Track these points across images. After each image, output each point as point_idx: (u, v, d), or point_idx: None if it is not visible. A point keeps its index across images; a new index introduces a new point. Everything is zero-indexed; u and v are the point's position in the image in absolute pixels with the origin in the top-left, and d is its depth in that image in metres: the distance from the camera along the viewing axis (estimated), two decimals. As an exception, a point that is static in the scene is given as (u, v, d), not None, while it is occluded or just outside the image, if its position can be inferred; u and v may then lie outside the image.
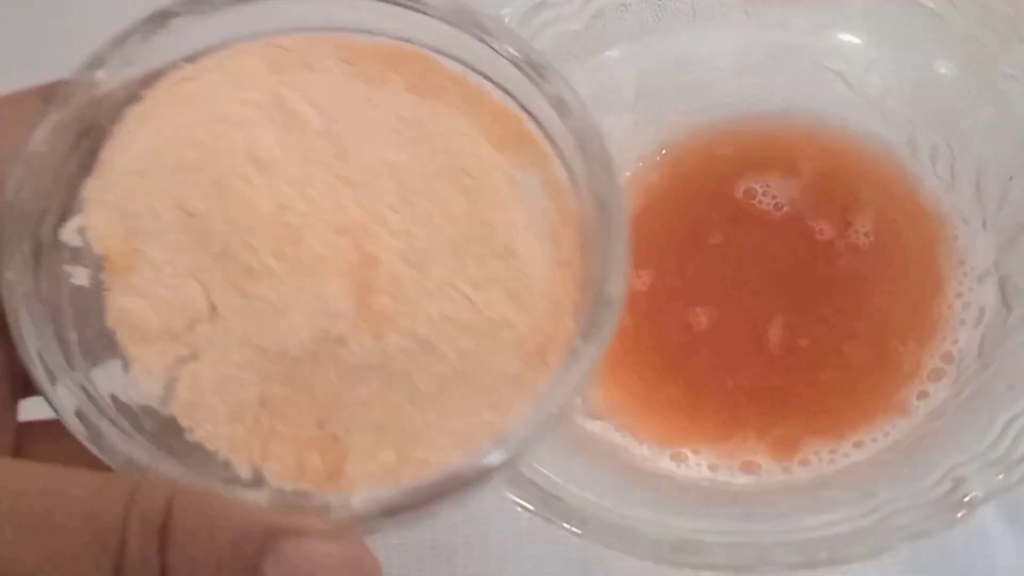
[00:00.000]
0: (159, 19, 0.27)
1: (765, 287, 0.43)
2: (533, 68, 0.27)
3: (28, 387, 0.27)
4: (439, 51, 0.28)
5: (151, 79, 0.27)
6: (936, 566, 0.39)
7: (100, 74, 0.26)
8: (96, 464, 0.23)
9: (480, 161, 0.27)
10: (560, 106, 0.27)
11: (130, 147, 0.26)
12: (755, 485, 0.39)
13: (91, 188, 0.26)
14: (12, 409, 0.27)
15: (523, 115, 0.28)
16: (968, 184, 0.43)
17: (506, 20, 0.42)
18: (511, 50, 0.28)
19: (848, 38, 0.45)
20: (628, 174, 0.45)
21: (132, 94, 0.27)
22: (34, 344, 0.24)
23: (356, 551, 0.22)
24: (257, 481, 0.24)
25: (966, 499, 0.33)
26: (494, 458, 0.24)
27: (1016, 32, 0.42)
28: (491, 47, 0.28)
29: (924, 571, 0.39)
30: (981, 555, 0.40)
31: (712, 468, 0.40)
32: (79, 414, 0.24)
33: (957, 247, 0.42)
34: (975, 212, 0.42)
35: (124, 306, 0.25)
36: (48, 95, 0.26)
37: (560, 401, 0.25)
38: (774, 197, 0.44)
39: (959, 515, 0.33)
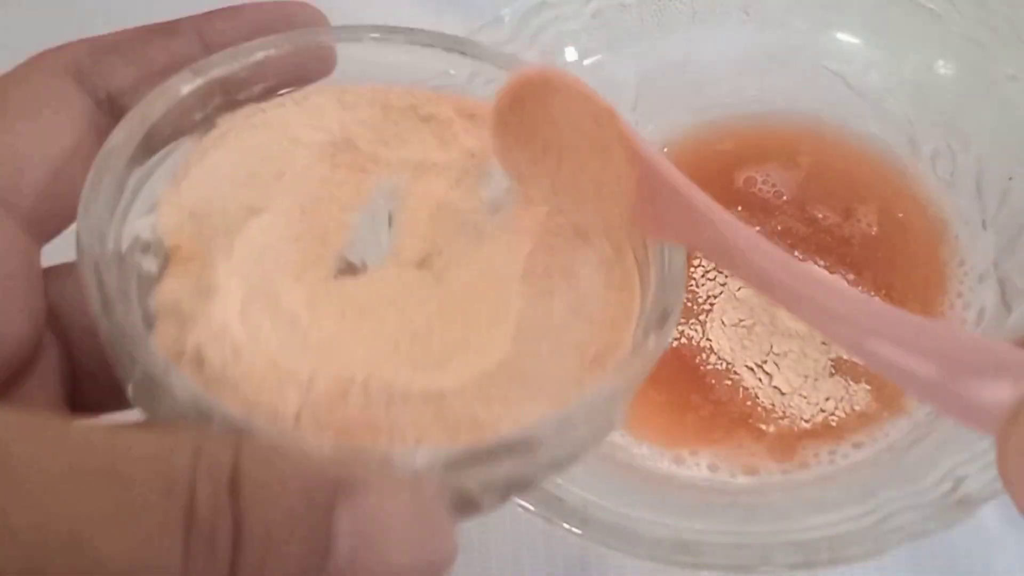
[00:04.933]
0: (246, 52, 0.28)
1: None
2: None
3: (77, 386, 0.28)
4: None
5: (227, 107, 0.28)
6: (936, 566, 0.39)
7: (183, 88, 0.27)
8: None
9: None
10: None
11: (205, 160, 0.27)
12: (755, 485, 0.39)
13: (165, 193, 0.27)
14: (65, 410, 0.27)
15: None
16: (968, 184, 0.43)
17: (506, 20, 0.43)
18: None
19: (848, 38, 0.45)
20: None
21: (208, 118, 0.28)
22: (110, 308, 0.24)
23: (426, 503, 0.22)
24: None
25: (966, 499, 0.33)
26: (543, 432, 0.24)
27: (1016, 33, 0.42)
28: None
29: (924, 571, 0.39)
30: (981, 555, 0.40)
31: (712, 468, 0.40)
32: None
33: (958, 247, 0.42)
34: (975, 212, 0.42)
35: (170, 287, 0.26)
36: (81, 78, 0.27)
37: (610, 394, 0.26)
38: (774, 185, 0.44)
39: (959, 515, 0.33)
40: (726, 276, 0.43)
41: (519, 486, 0.25)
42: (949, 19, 0.43)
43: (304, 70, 0.29)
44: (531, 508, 0.34)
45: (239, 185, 0.27)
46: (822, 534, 0.34)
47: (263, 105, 0.29)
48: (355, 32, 0.29)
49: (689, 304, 0.42)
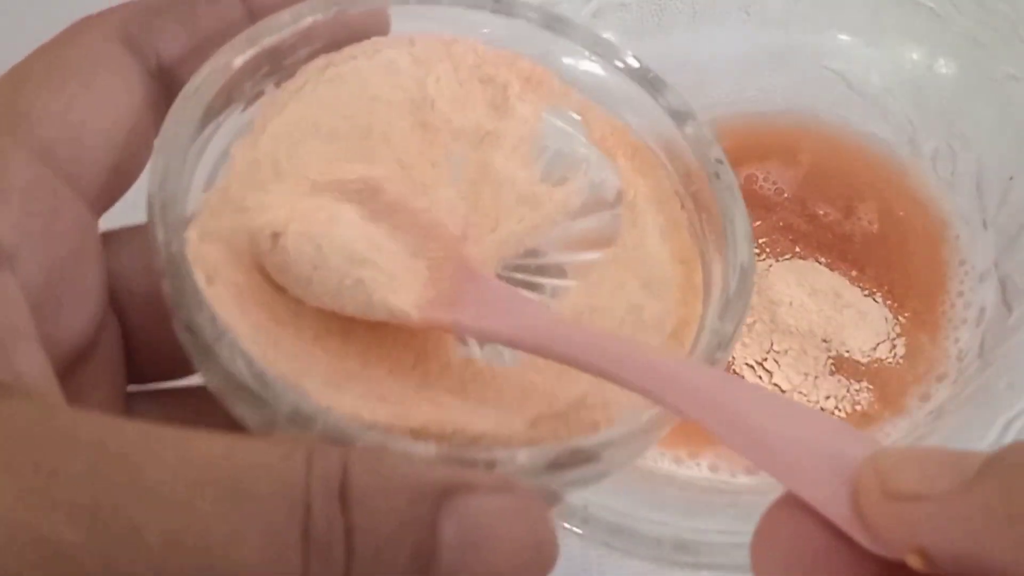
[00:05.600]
0: (294, 17, 0.28)
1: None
2: (651, 83, 0.29)
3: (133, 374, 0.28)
4: (549, 66, 0.30)
5: (274, 74, 0.28)
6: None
7: (237, 61, 0.27)
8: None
9: (594, 162, 0.29)
10: (677, 116, 0.29)
11: (282, 114, 0.27)
12: (755, 485, 0.39)
13: (239, 147, 0.27)
14: (123, 392, 0.27)
15: (630, 127, 0.29)
16: (969, 184, 0.43)
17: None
18: (632, 63, 0.29)
19: (848, 38, 0.45)
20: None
21: (257, 86, 0.28)
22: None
23: (527, 502, 0.22)
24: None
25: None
26: (644, 423, 0.25)
27: (1016, 32, 0.42)
28: (613, 63, 0.29)
29: (924, 571, 0.39)
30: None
31: (712, 468, 0.40)
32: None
33: (958, 247, 0.42)
34: (976, 212, 0.42)
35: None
36: (132, 44, 0.26)
37: None
38: (775, 183, 0.44)
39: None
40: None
41: (602, 476, 0.25)
42: (949, 19, 0.43)
43: (353, 32, 0.28)
44: (531, 508, 0.34)
45: (324, 141, 0.27)
46: (822, 534, 0.34)
47: (333, 57, 0.28)
48: None
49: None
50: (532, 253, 0.29)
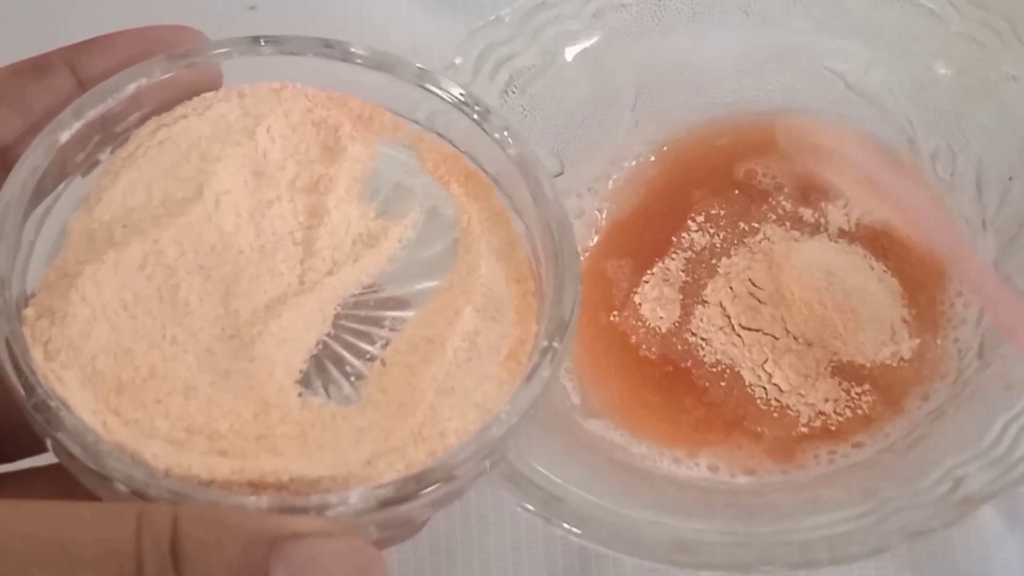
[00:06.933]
0: (118, 85, 0.28)
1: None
2: (475, 109, 0.30)
3: None
4: (380, 102, 0.31)
5: (107, 142, 0.29)
6: (936, 566, 0.39)
7: (64, 136, 0.28)
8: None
9: (429, 192, 0.30)
10: (502, 141, 0.30)
11: (116, 183, 0.28)
12: (755, 485, 0.39)
13: (76, 220, 0.27)
14: None
15: (461, 153, 0.31)
16: (968, 184, 0.43)
17: (506, 20, 0.43)
18: (455, 94, 0.30)
19: (848, 38, 0.45)
20: (628, 166, 0.45)
21: (90, 156, 0.29)
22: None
23: (355, 545, 0.23)
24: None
25: (966, 499, 0.33)
26: (478, 449, 0.26)
27: (1016, 33, 0.42)
28: (435, 93, 0.30)
29: (924, 571, 0.39)
30: (980, 555, 0.40)
31: (711, 468, 0.40)
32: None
33: (958, 246, 0.42)
34: (975, 212, 0.42)
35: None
36: None
37: (534, 395, 0.27)
38: (775, 177, 0.44)
39: (959, 515, 0.33)
40: (725, 271, 0.43)
41: (452, 497, 0.26)
42: (949, 19, 0.43)
43: (185, 91, 0.29)
44: (531, 508, 0.34)
45: (157, 206, 0.28)
46: (822, 534, 0.34)
47: (164, 119, 0.29)
48: (227, 46, 0.30)
49: (688, 301, 0.42)
50: (372, 288, 0.29)
